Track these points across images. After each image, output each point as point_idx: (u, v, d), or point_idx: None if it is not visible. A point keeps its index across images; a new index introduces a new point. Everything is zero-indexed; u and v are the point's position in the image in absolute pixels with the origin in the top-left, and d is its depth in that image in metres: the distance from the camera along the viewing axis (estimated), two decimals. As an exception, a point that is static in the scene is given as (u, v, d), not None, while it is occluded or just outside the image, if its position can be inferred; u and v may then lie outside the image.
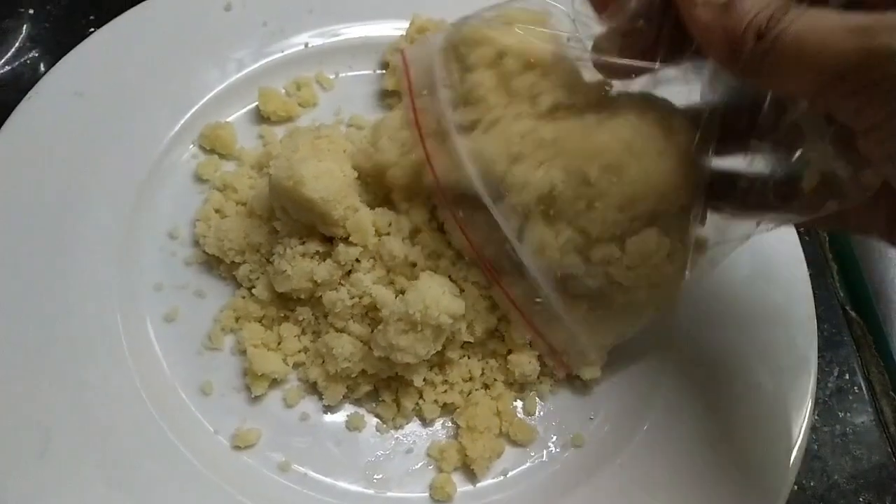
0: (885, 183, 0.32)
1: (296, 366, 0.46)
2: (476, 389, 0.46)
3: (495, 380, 0.47)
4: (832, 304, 0.58)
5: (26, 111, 0.49)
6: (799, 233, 0.54)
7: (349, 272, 0.45)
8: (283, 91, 0.55)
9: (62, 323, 0.44)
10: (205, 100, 0.53)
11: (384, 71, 0.57)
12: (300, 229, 0.45)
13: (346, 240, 0.44)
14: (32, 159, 0.48)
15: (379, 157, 0.44)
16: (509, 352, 0.47)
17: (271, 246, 0.46)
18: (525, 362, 0.46)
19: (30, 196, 0.47)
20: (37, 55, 0.58)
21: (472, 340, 0.45)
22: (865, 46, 0.27)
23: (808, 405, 0.47)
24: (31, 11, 0.59)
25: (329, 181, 0.42)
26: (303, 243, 0.45)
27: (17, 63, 0.57)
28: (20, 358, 0.42)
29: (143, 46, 0.53)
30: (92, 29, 0.57)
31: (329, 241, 0.45)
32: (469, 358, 0.47)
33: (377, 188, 0.46)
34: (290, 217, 0.45)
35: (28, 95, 0.50)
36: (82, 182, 0.48)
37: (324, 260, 0.45)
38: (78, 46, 0.52)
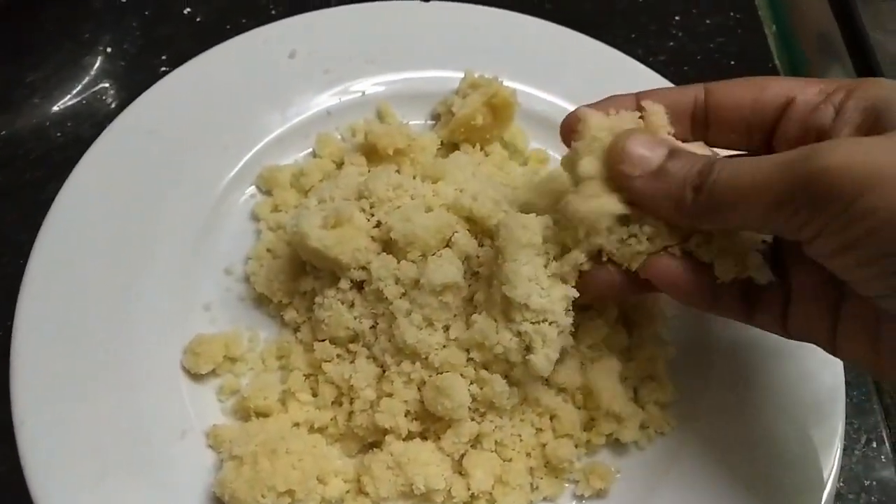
0: (824, 294, 0.37)
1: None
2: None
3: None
4: (861, 370, 0.58)
5: (102, 146, 0.53)
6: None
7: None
8: (339, 136, 0.58)
9: (123, 353, 0.47)
10: (265, 142, 0.56)
11: (435, 122, 0.59)
12: (332, 278, 0.48)
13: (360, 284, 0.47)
14: (105, 193, 0.51)
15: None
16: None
17: (315, 293, 0.48)
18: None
19: (100, 229, 0.50)
20: (111, 90, 0.61)
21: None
22: (792, 175, 0.32)
23: (834, 473, 0.47)
24: (109, 49, 0.63)
25: (337, 230, 0.45)
26: (337, 290, 0.47)
27: (89, 94, 0.61)
28: (84, 388, 0.45)
29: (212, 89, 0.56)
30: (164, 68, 0.61)
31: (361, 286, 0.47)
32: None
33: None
34: (320, 267, 0.48)
35: (104, 132, 0.53)
36: (149, 218, 0.51)
37: (353, 306, 0.47)
38: (152, 87, 0.56)
